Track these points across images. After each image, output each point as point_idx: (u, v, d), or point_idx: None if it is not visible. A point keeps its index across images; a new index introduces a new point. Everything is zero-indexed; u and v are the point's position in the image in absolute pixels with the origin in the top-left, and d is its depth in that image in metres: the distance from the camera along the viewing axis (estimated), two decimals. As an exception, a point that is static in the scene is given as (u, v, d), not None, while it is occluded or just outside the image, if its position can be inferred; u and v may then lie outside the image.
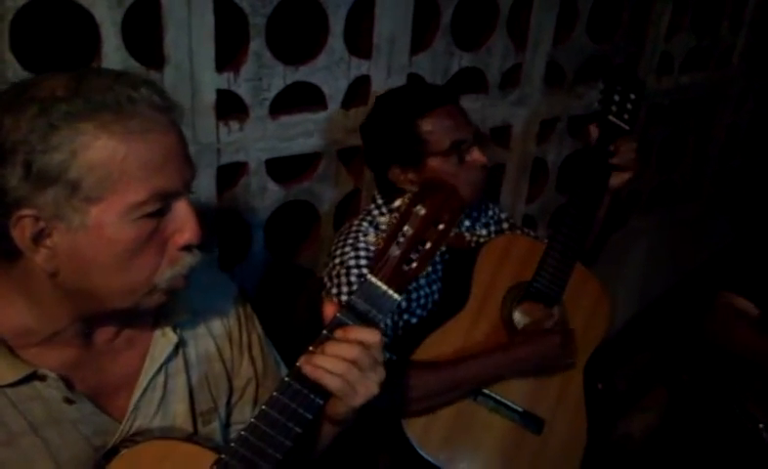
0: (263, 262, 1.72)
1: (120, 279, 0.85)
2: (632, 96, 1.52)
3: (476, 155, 1.49)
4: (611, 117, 1.51)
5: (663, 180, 2.59)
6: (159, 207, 0.84)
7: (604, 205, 1.58)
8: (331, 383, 0.89)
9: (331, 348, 0.90)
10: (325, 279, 1.48)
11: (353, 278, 1.41)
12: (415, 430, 1.39)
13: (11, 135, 0.78)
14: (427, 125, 1.46)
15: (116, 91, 0.81)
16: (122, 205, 0.81)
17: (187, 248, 0.88)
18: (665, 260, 2.56)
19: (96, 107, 0.79)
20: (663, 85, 2.32)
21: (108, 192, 0.80)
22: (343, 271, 1.43)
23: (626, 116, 1.52)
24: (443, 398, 1.39)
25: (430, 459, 1.38)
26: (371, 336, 0.91)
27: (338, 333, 0.91)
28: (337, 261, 1.45)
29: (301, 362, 0.90)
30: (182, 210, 0.87)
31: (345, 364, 0.89)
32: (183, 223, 0.87)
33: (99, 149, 0.79)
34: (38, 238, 0.82)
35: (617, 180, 1.54)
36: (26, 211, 0.80)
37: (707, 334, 1.79)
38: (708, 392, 1.96)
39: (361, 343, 0.90)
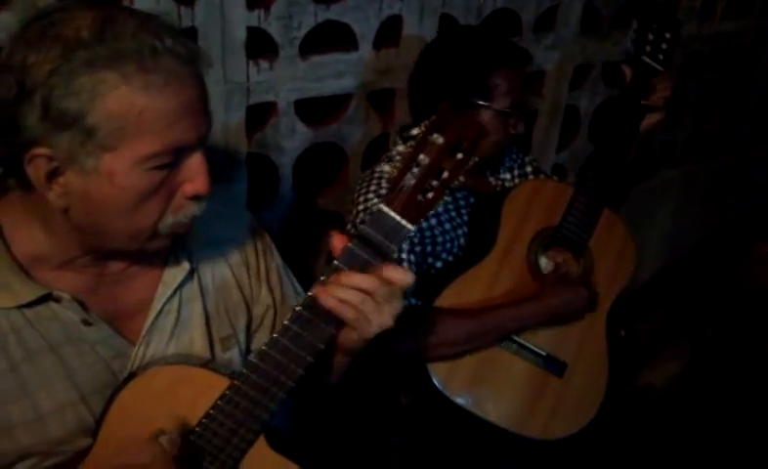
0: (291, 203, 1.71)
1: (126, 223, 0.86)
2: (668, 35, 1.45)
3: (520, 127, 1.48)
4: (644, 58, 1.45)
5: (698, 130, 2.51)
6: (173, 159, 0.84)
7: (633, 148, 1.54)
8: (345, 312, 0.88)
9: (347, 278, 0.88)
10: (349, 225, 1.47)
11: None
12: (439, 370, 1.39)
13: (32, 73, 0.78)
14: (499, 78, 1.43)
15: (140, 39, 0.79)
16: (135, 155, 0.81)
17: (194, 198, 0.89)
18: (697, 211, 2.49)
19: (118, 57, 0.78)
20: (704, 31, 2.22)
21: (123, 142, 0.80)
22: (367, 216, 1.42)
23: (661, 57, 1.45)
24: (469, 345, 1.39)
25: (453, 399, 1.39)
26: (401, 276, 0.89)
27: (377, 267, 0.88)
28: (360, 207, 1.44)
29: (315, 291, 0.89)
30: (194, 161, 0.86)
31: (359, 295, 0.88)
32: (194, 174, 0.87)
33: (117, 99, 0.78)
34: (51, 176, 0.82)
35: (646, 122, 1.49)
36: (41, 150, 0.80)
37: (743, 279, 1.75)
38: (731, 343, 1.94)
39: (377, 275, 0.88)
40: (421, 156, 0.88)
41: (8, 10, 1.23)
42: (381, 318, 0.90)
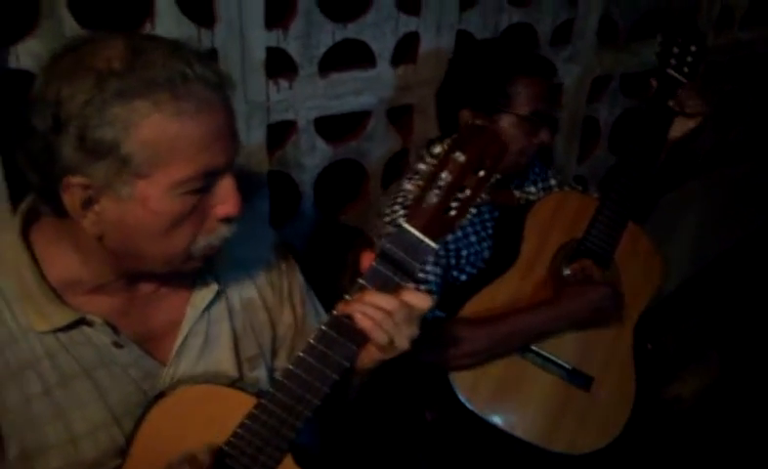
0: (312, 220, 1.72)
1: (160, 248, 0.88)
2: (693, 48, 1.45)
3: (544, 136, 1.47)
4: (669, 70, 1.44)
5: (719, 140, 2.49)
6: (204, 184, 0.86)
7: (664, 153, 1.53)
8: (366, 325, 0.89)
9: (369, 296, 0.89)
10: (374, 238, 1.47)
11: None
12: (464, 385, 1.38)
13: (67, 105, 0.79)
14: (520, 85, 1.43)
15: (171, 67, 0.81)
16: (169, 181, 0.82)
17: (225, 220, 0.90)
18: (720, 222, 2.47)
19: (150, 85, 0.80)
20: (722, 41, 2.21)
21: (157, 169, 0.82)
22: (393, 229, 1.42)
23: (686, 69, 1.45)
24: (491, 352, 1.38)
25: (478, 413, 1.38)
26: (419, 301, 0.90)
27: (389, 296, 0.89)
28: (387, 219, 1.44)
29: (339, 307, 0.90)
30: (225, 185, 0.88)
31: (379, 312, 0.89)
32: (225, 198, 0.88)
33: (151, 127, 0.80)
34: (86, 205, 0.84)
35: (679, 129, 1.48)
36: (78, 179, 0.82)
37: None
38: (760, 355, 1.90)
39: (396, 299, 0.89)
40: (443, 174, 0.88)
41: (34, 37, 1.26)
42: (399, 339, 0.91)
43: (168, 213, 0.85)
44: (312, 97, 1.57)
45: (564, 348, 1.42)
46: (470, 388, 1.38)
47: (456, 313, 1.40)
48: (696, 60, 1.46)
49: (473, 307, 1.41)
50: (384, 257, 0.90)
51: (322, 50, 1.55)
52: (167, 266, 0.91)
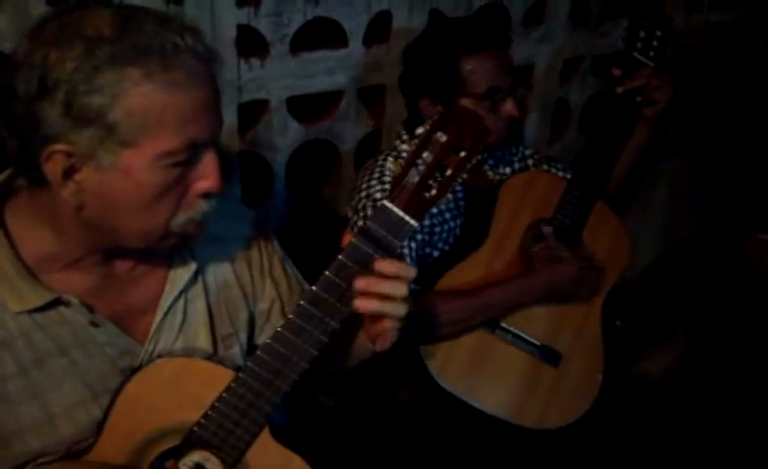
0: (285, 201, 1.75)
1: (139, 221, 0.88)
2: (658, 33, 1.50)
3: (509, 107, 1.49)
4: (636, 54, 1.50)
5: (689, 121, 2.57)
6: (189, 157, 0.86)
7: (641, 138, 1.59)
8: (361, 306, 0.91)
9: (365, 282, 0.90)
10: (350, 213, 1.51)
11: None
12: (435, 362, 1.43)
13: (55, 71, 0.79)
14: (469, 64, 1.45)
15: (162, 36, 0.81)
16: (154, 152, 0.83)
17: (205, 196, 0.91)
18: (690, 203, 2.54)
19: (142, 53, 0.80)
20: (692, 23, 2.28)
21: (143, 138, 0.82)
22: (369, 203, 1.46)
23: (652, 54, 1.51)
24: (462, 325, 1.43)
25: (450, 390, 1.43)
26: (406, 271, 0.92)
27: (379, 266, 0.91)
28: (363, 194, 1.48)
29: (358, 285, 0.91)
30: (207, 159, 0.89)
31: (377, 302, 0.91)
32: (206, 172, 0.89)
33: (140, 97, 0.80)
34: (68, 174, 0.84)
35: (651, 110, 1.54)
36: (60, 146, 0.81)
37: (740, 268, 1.79)
38: (728, 334, 1.98)
39: (395, 276, 0.91)
40: (425, 154, 0.91)
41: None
42: (393, 312, 0.93)
43: (151, 185, 0.85)
44: (284, 76, 1.59)
45: (533, 325, 1.48)
46: (441, 365, 1.43)
47: (430, 289, 1.44)
48: (661, 44, 1.51)
49: (444, 283, 1.45)
50: (365, 234, 0.92)
51: (294, 28, 1.57)
52: (144, 241, 0.91)
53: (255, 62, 1.55)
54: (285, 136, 1.68)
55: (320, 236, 1.75)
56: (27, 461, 0.93)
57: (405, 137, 1.58)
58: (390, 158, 1.53)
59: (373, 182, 1.48)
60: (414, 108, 1.55)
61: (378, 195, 1.45)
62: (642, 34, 1.51)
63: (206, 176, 0.89)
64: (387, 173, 1.49)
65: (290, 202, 1.77)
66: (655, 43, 1.51)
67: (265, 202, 1.72)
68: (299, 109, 1.68)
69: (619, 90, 1.51)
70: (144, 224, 0.89)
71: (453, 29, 1.52)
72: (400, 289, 0.92)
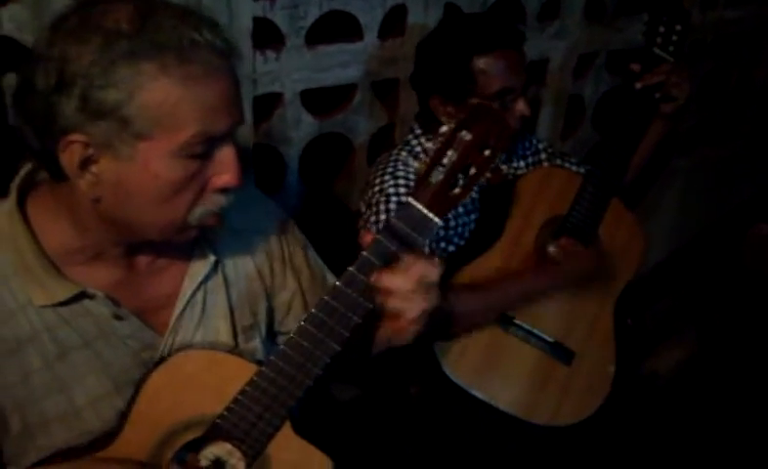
0: (298, 194, 1.76)
1: (157, 214, 0.89)
2: (678, 27, 1.50)
3: (520, 106, 1.49)
4: (655, 49, 1.50)
5: (703, 118, 2.57)
6: (206, 150, 0.87)
7: (657, 134, 1.59)
8: (383, 302, 0.93)
9: (387, 279, 0.92)
10: (363, 208, 1.52)
11: (392, 206, 1.44)
12: (448, 359, 1.44)
13: (72, 65, 0.80)
14: (480, 64, 1.45)
15: (180, 31, 0.82)
16: (171, 144, 0.84)
17: (224, 190, 0.91)
18: (702, 200, 2.55)
19: (159, 48, 0.81)
20: (708, 19, 2.28)
21: (159, 131, 0.83)
22: (382, 198, 1.47)
23: (671, 48, 1.50)
24: (476, 319, 1.44)
25: (462, 386, 1.44)
26: (430, 270, 0.93)
27: (406, 262, 0.92)
28: (376, 189, 1.49)
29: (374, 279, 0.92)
30: (226, 154, 0.89)
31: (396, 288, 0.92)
32: (225, 166, 0.89)
33: (156, 91, 0.81)
34: (85, 164, 0.85)
35: (668, 107, 1.54)
36: (77, 136, 0.83)
37: (745, 260, 1.80)
38: (737, 332, 1.99)
39: (419, 275, 0.92)
40: (449, 152, 0.93)
41: (18, 3, 1.27)
42: (411, 311, 0.94)
43: (168, 178, 0.86)
44: (299, 69, 1.60)
45: (546, 322, 1.49)
46: (454, 361, 1.44)
47: (445, 285, 1.45)
48: (681, 39, 1.51)
49: (460, 279, 1.46)
50: (389, 231, 0.93)
51: (310, 21, 1.58)
52: (162, 235, 0.92)
53: (270, 54, 1.56)
54: (299, 129, 1.69)
55: (332, 230, 1.76)
56: (52, 454, 0.94)
57: (417, 131, 1.58)
58: (403, 153, 1.53)
59: (387, 177, 1.49)
60: (426, 105, 1.55)
61: (391, 191, 1.46)
62: (662, 29, 1.50)
63: (225, 171, 0.90)
64: (400, 168, 1.49)
65: (302, 195, 1.77)
66: (674, 38, 1.50)
67: (277, 195, 1.73)
68: (313, 103, 1.69)
69: (638, 85, 1.50)
70: (161, 217, 0.89)
71: (466, 28, 1.51)
72: (423, 287, 0.93)
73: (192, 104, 0.83)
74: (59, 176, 0.87)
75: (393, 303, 0.93)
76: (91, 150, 0.84)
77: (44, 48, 0.83)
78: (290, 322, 1.16)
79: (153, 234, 0.92)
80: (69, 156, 0.84)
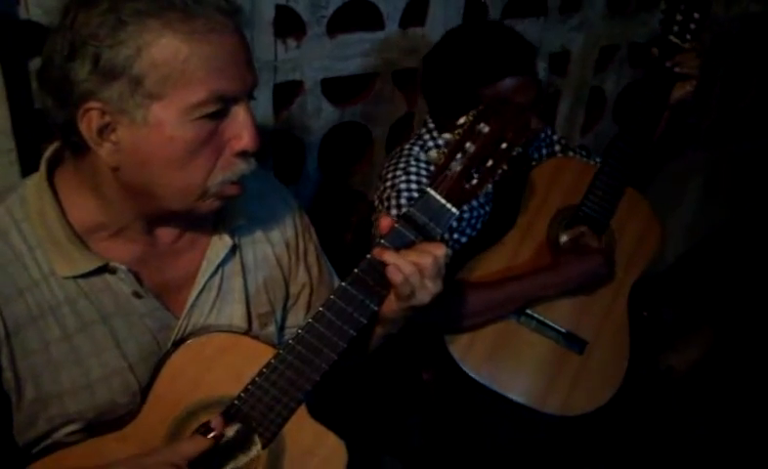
0: (316, 182, 1.79)
1: (176, 179, 0.90)
2: (696, 15, 1.48)
3: (532, 124, 1.46)
4: (672, 37, 1.49)
5: (725, 114, 2.56)
6: (218, 109, 0.88)
7: (663, 121, 1.57)
8: (396, 277, 0.96)
9: (402, 252, 0.96)
10: (376, 202, 1.55)
11: (402, 201, 1.47)
12: (458, 347, 1.47)
13: (82, 29, 0.83)
14: (486, 92, 1.44)
15: None
16: (182, 104, 0.86)
17: (242, 155, 0.93)
18: (722, 196, 2.54)
19: (163, 6, 0.83)
20: (732, 12, 2.27)
21: (170, 90, 0.85)
22: (393, 193, 1.49)
23: (689, 36, 1.49)
24: (488, 315, 1.46)
25: (472, 375, 1.46)
26: (439, 250, 0.97)
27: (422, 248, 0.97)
28: (388, 184, 1.51)
29: (374, 252, 0.97)
30: (241, 115, 0.91)
31: (412, 267, 0.96)
32: (241, 128, 0.91)
33: (162, 47, 0.83)
34: (103, 132, 0.87)
35: (679, 91, 1.52)
36: (93, 104, 0.85)
37: None
38: (754, 331, 1.99)
39: (430, 253, 0.96)
40: (467, 144, 0.96)
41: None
42: (422, 293, 0.99)
43: (184, 139, 0.87)
44: (319, 57, 1.63)
45: (559, 312, 1.50)
46: (464, 350, 1.47)
47: (455, 274, 1.48)
48: (698, 27, 1.49)
49: (471, 269, 1.49)
50: (408, 219, 0.97)
51: (332, 10, 1.60)
52: (183, 202, 0.93)
53: (291, 42, 1.58)
54: (319, 117, 1.71)
55: (349, 219, 1.79)
56: (60, 424, 0.98)
57: (431, 126, 1.59)
58: (415, 148, 1.55)
59: (399, 172, 1.51)
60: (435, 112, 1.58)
61: (403, 187, 1.48)
62: (679, 17, 1.49)
63: (241, 134, 0.91)
64: (412, 163, 1.51)
65: (322, 183, 1.81)
66: (692, 26, 1.49)
67: (296, 183, 1.76)
68: (333, 92, 1.71)
69: (668, 64, 1.49)
70: (179, 182, 0.91)
71: (471, 57, 1.48)
72: (437, 272, 0.97)
73: (200, 61, 0.85)
74: (80, 148, 0.91)
75: (407, 287, 0.97)
76: (108, 118, 0.86)
77: (58, 22, 0.87)
78: (294, 315, 1.19)
79: (174, 203, 0.94)
80: (88, 124, 0.87)
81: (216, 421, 0.97)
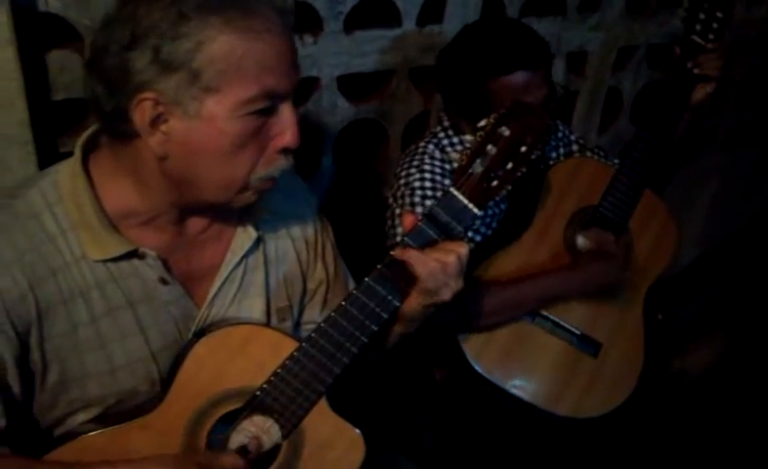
0: (331, 179, 1.81)
1: (221, 171, 0.94)
2: (719, 14, 1.49)
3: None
4: (694, 37, 1.49)
5: (743, 116, 2.56)
6: (267, 106, 0.92)
7: (683, 122, 1.58)
8: (423, 271, 1.00)
9: (426, 250, 1.00)
10: (390, 199, 1.57)
11: (416, 199, 1.49)
12: (471, 346, 1.48)
13: (144, 21, 0.87)
14: (493, 87, 1.46)
15: None
16: (234, 99, 0.89)
17: (284, 151, 0.97)
18: (738, 200, 2.55)
19: (224, 2, 0.87)
20: (753, 14, 2.28)
21: (224, 85, 0.88)
22: (407, 192, 1.51)
23: (711, 36, 1.49)
24: (504, 316, 1.47)
25: (486, 376, 1.48)
26: (462, 248, 1.01)
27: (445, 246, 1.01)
28: (402, 182, 1.53)
29: (398, 251, 1.00)
30: (286, 113, 0.95)
31: (437, 264, 1.00)
32: (285, 126, 0.95)
33: (222, 44, 0.87)
34: (155, 122, 0.90)
35: (699, 93, 1.53)
36: (148, 94, 0.88)
37: None
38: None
39: (454, 251, 1.00)
40: (489, 147, 1.00)
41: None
42: (444, 291, 1.03)
43: (232, 133, 0.91)
44: (336, 54, 1.64)
45: (573, 313, 1.52)
46: (477, 350, 1.48)
47: (471, 273, 1.48)
48: (721, 26, 1.50)
49: (486, 269, 1.50)
50: (431, 218, 1.01)
51: (350, 6, 1.62)
52: (224, 194, 0.97)
53: (308, 39, 1.60)
54: (334, 114, 1.73)
55: (364, 216, 1.80)
56: (80, 407, 1.01)
57: (446, 124, 1.61)
58: (430, 146, 1.56)
59: (413, 170, 1.52)
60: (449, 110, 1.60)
61: (417, 185, 1.50)
62: (702, 16, 1.49)
63: (284, 131, 0.95)
64: (426, 161, 1.53)
65: (335, 180, 1.82)
66: (715, 25, 1.50)
67: (312, 179, 1.78)
68: (349, 88, 1.73)
69: (689, 65, 1.49)
70: (225, 174, 0.95)
71: (482, 49, 1.50)
72: (459, 270, 1.00)
73: (255, 58, 0.89)
74: (126, 135, 0.93)
75: (432, 283, 1.00)
76: (161, 108, 0.89)
77: (115, 12, 0.90)
78: (309, 311, 1.22)
79: (215, 194, 0.97)
80: (141, 114, 0.90)
81: (253, 445, 1.03)
